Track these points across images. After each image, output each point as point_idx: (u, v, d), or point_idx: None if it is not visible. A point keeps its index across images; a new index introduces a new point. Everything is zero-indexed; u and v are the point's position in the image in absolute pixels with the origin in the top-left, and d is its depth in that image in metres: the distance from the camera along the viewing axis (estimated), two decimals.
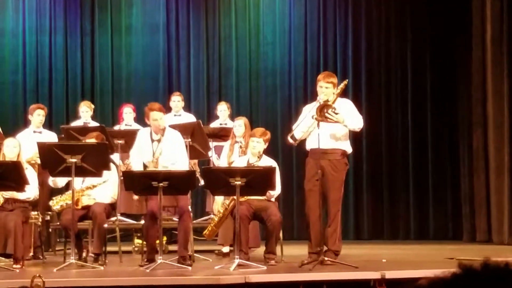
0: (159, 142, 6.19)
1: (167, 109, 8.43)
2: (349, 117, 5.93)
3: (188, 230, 6.13)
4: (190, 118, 8.15)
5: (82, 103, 8.25)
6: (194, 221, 6.78)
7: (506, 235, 8.40)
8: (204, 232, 6.42)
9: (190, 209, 6.25)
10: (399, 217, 9.56)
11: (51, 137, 7.23)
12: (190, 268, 5.81)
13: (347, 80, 6.30)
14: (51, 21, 9.67)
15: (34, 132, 7.20)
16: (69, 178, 5.96)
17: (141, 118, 8.43)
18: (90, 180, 6.18)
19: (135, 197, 6.83)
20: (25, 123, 7.38)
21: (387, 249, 8.00)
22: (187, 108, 9.33)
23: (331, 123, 5.85)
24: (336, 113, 5.79)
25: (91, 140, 6.30)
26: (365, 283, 5.29)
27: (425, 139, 9.61)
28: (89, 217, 6.24)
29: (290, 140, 6.05)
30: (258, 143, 6.23)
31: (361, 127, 6.11)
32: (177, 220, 6.41)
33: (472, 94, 8.97)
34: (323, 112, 5.76)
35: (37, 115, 7.20)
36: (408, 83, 9.68)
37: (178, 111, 8.21)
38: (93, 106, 8.23)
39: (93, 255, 6.23)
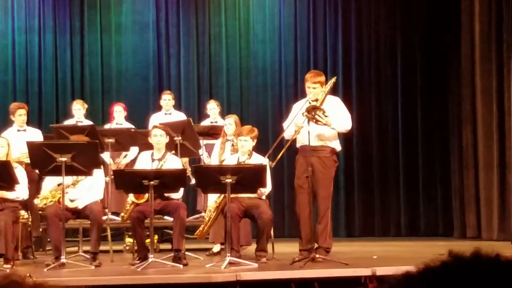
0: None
1: (157, 108, 8.42)
2: (337, 119, 5.96)
3: (184, 223, 6.12)
4: (181, 116, 8.14)
5: (75, 101, 8.23)
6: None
7: (495, 232, 8.44)
8: (196, 233, 6.42)
9: None
10: (390, 214, 9.59)
11: (35, 134, 7.18)
12: (181, 266, 5.81)
13: (335, 77, 6.32)
14: (40, 20, 9.62)
15: (18, 130, 7.15)
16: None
17: (131, 117, 8.43)
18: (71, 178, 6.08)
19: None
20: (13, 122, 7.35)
21: (378, 245, 8.02)
22: (178, 106, 9.31)
23: (319, 125, 5.89)
24: (326, 116, 5.82)
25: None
26: (356, 280, 5.32)
27: (415, 136, 9.63)
28: (83, 216, 6.16)
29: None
30: (246, 142, 6.23)
31: (348, 129, 6.14)
32: (169, 219, 6.40)
33: (461, 91, 9.01)
34: (311, 114, 5.80)
35: (19, 116, 7.15)
36: (398, 80, 9.70)
37: (169, 110, 8.21)
38: (86, 105, 8.20)
39: (84, 254, 6.20)
